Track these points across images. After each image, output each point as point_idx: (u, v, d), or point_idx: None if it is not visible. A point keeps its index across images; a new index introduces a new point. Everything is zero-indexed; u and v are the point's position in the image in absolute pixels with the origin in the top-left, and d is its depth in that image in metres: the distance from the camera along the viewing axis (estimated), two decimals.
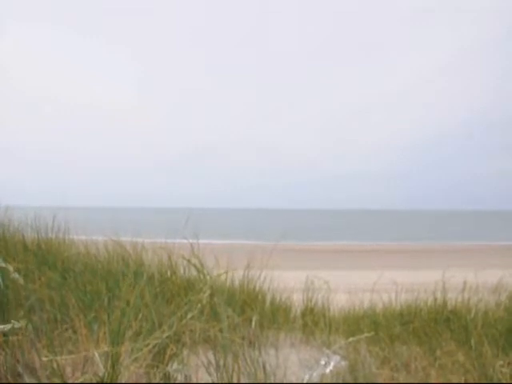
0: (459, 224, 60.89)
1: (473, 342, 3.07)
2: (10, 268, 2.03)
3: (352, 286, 5.46)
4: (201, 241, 3.66)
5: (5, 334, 2.20)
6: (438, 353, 2.99)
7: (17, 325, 1.81)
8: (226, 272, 3.25)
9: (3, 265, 1.97)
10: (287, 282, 4.26)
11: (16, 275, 2.01)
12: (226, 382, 2.22)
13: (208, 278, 3.00)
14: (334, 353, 2.87)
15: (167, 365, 2.24)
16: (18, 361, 2.51)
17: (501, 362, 2.71)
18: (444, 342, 3.17)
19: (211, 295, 2.50)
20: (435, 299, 3.96)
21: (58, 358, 2.03)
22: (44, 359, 2.02)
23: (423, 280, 4.94)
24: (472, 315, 3.62)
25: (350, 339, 2.68)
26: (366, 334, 2.73)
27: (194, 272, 3.47)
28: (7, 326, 1.78)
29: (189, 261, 3.17)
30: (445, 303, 3.88)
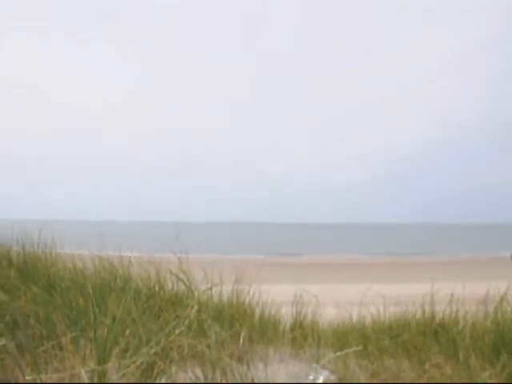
0: (451, 237, 61.21)
1: (461, 354, 3.08)
2: None
3: (340, 300, 5.46)
4: (189, 255, 3.64)
5: None
6: (427, 366, 3.00)
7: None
8: (212, 287, 3.22)
9: None
10: (275, 295, 4.24)
11: None
12: None
13: (196, 293, 2.97)
14: (323, 367, 2.86)
15: (155, 381, 2.21)
16: None
17: (487, 374, 2.73)
18: (432, 355, 3.17)
19: (199, 311, 2.48)
20: (423, 312, 3.97)
21: (43, 376, 1.98)
22: (28, 378, 1.97)
23: (411, 293, 4.96)
24: (460, 327, 3.63)
25: (339, 353, 2.67)
26: (354, 348, 2.73)
27: (182, 287, 3.43)
28: None
29: (176, 275, 3.14)
30: (433, 316, 3.89)
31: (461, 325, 3.69)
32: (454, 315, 3.83)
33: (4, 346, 1.77)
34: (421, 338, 3.57)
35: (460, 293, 4.05)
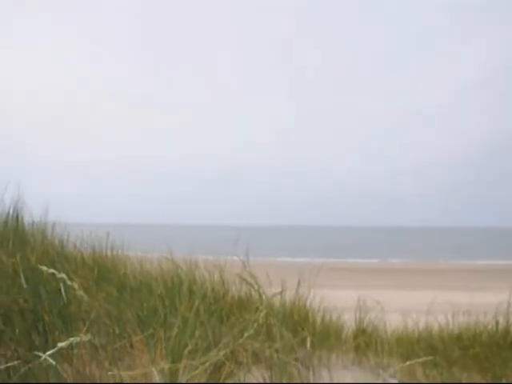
0: None
1: None
2: (75, 285, 2.15)
3: (405, 307, 5.27)
4: (251, 258, 3.68)
5: (68, 348, 2.32)
6: (504, 381, 2.82)
7: (84, 338, 1.91)
8: (282, 292, 3.23)
9: (69, 282, 2.10)
10: (337, 301, 4.19)
11: (81, 292, 2.14)
12: None
13: (264, 297, 2.99)
14: (391, 376, 2.78)
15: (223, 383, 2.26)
16: (78, 372, 2.63)
17: None
18: (510, 371, 2.98)
19: (267, 315, 2.50)
20: (497, 323, 3.75)
21: (123, 372, 2.10)
22: (109, 373, 2.10)
23: (483, 302, 4.70)
24: None
25: (408, 363, 2.59)
26: (424, 358, 2.63)
27: (246, 290, 3.48)
28: (76, 339, 1.89)
29: (245, 280, 3.19)
30: (508, 328, 3.66)
31: None
32: None
33: (83, 342, 1.92)
34: (495, 350, 3.37)
35: None
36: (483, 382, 3.00)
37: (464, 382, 3.07)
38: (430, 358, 2.94)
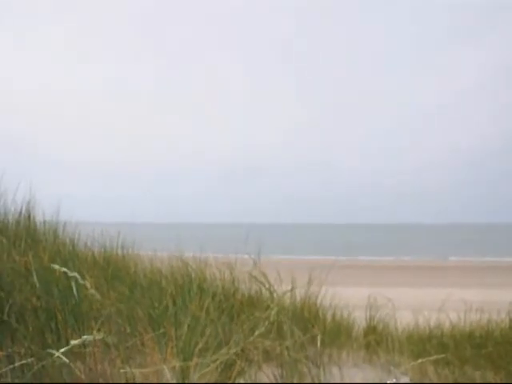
0: None
1: None
2: (87, 284, 2.17)
3: (417, 305, 5.24)
4: (261, 256, 3.68)
5: (81, 346, 2.35)
6: None
7: (97, 336, 1.93)
8: (292, 289, 3.23)
9: (81, 281, 2.12)
10: (348, 298, 4.18)
11: (93, 291, 2.16)
12: None
13: (275, 295, 3.00)
14: (402, 374, 2.77)
15: (234, 381, 2.27)
16: (90, 370, 2.66)
17: None
18: None
19: (278, 313, 2.50)
20: (510, 320, 3.71)
21: (135, 370, 2.12)
22: (122, 371, 2.12)
23: (495, 300, 4.66)
24: None
25: (419, 361, 2.57)
26: (435, 356, 2.61)
27: (256, 288, 3.48)
28: (89, 337, 1.91)
29: (256, 278, 3.19)
30: None
31: None
32: None
33: (96, 340, 1.94)
34: (508, 348, 3.33)
35: None
36: (497, 380, 2.96)
37: (477, 380, 3.04)
38: (442, 356, 2.92)
